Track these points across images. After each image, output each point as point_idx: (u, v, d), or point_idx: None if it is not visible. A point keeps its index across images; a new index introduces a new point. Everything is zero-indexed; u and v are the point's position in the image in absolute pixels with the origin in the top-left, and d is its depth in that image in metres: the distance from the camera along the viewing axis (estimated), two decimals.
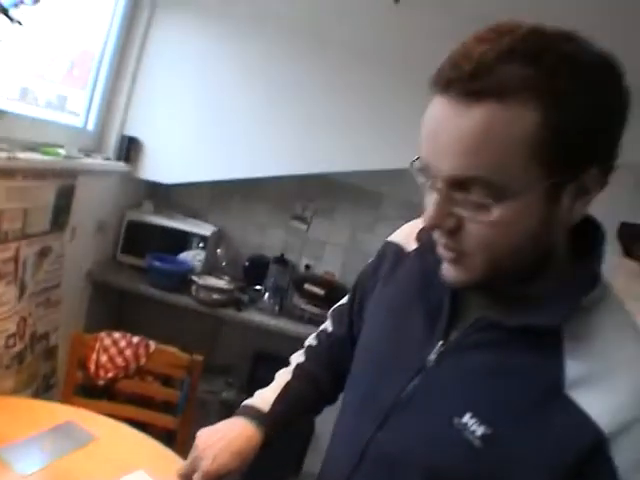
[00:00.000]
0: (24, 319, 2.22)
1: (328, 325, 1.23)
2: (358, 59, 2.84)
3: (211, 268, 3.17)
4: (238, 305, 2.87)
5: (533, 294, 0.76)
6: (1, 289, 2.00)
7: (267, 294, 2.99)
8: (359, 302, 1.11)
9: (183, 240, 3.07)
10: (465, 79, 0.65)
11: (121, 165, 2.92)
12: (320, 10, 2.86)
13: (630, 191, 2.97)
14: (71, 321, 2.68)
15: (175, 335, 2.23)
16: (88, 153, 2.66)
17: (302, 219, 3.32)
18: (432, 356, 0.82)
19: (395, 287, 0.96)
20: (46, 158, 2.16)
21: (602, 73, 0.67)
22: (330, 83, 2.86)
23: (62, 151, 2.29)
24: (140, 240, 3.06)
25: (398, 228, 1.02)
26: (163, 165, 3.04)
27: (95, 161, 2.67)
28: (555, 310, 0.72)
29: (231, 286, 2.90)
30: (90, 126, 2.83)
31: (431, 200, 0.72)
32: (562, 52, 0.64)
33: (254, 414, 1.10)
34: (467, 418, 0.74)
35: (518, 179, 0.66)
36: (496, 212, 0.68)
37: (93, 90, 2.81)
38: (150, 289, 2.81)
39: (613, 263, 3.03)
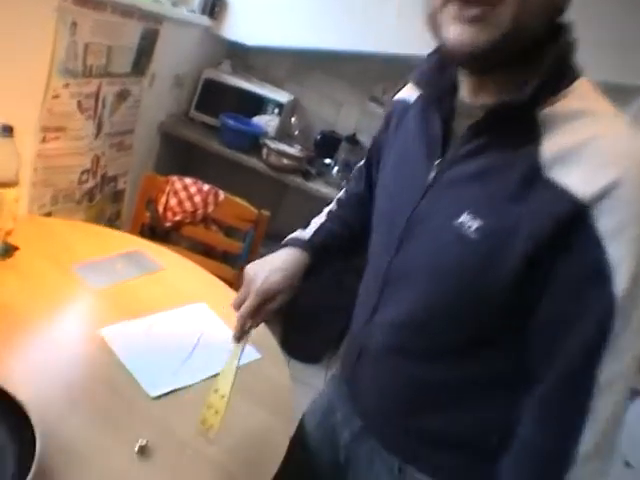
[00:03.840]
0: (98, 157, 2.27)
1: (347, 186, 1.28)
2: None
3: (283, 135, 3.14)
4: (306, 174, 2.87)
5: (512, 79, 0.79)
6: (81, 123, 2.03)
7: (336, 168, 2.97)
8: (376, 158, 1.14)
9: (258, 104, 3.03)
10: None
11: (205, 19, 2.87)
12: None
13: None
14: (140, 168, 2.73)
15: (239, 194, 2.21)
16: (175, 2, 2.60)
17: (380, 102, 3.21)
18: (431, 175, 0.87)
19: (403, 133, 1.01)
20: None
21: None
22: None
23: None
24: (215, 99, 3.03)
25: None
26: (247, 25, 2.97)
27: (180, 10, 2.62)
28: (524, 89, 0.75)
29: (301, 154, 2.88)
30: None
31: None
32: None
33: (296, 242, 1.14)
34: (463, 217, 0.79)
35: None
36: None
37: None
38: (221, 147, 2.82)
39: None
